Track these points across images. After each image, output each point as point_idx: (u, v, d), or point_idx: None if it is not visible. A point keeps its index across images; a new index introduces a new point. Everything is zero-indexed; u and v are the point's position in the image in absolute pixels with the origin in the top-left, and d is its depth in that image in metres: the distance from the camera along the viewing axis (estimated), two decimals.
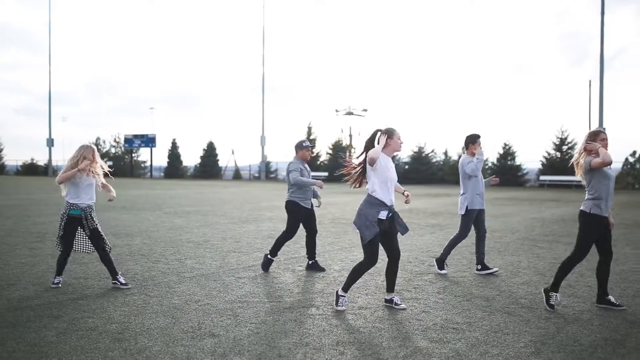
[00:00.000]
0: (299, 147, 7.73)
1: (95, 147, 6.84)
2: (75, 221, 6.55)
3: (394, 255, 5.79)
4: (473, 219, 7.58)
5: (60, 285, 6.51)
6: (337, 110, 53.00)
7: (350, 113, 52.45)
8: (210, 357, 4.27)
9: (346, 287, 5.72)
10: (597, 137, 5.89)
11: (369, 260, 5.58)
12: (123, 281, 6.54)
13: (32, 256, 8.51)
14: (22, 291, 6.26)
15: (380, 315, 5.49)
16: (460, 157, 7.74)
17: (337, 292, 5.76)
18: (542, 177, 40.95)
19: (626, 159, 39.63)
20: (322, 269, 7.66)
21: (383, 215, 5.53)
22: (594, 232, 5.79)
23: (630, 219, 15.73)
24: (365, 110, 52.75)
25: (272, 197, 24.70)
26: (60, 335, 4.71)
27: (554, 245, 10.21)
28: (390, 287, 5.85)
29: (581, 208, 5.90)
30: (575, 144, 41.59)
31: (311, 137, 52.01)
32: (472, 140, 7.62)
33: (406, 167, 46.19)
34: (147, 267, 7.77)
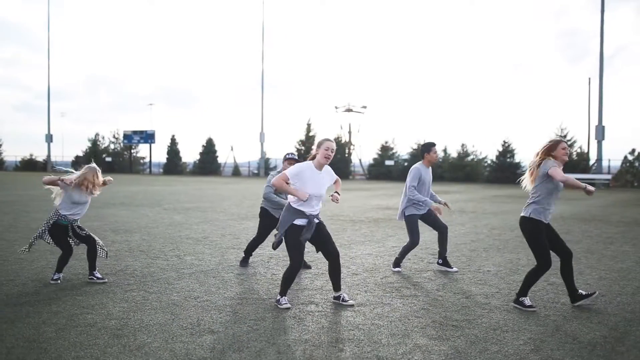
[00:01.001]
0: (284, 158, 7.54)
1: (97, 169, 6.95)
2: (61, 228, 6.67)
3: (332, 258, 5.82)
4: (416, 223, 7.54)
5: (59, 281, 6.51)
6: (336, 107, 53.02)
7: (349, 110, 52.46)
8: (210, 353, 4.26)
9: (282, 292, 5.71)
10: (557, 146, 5.80)
11: (293, 264, 5.64)
12: (99, 276, 6.62)
13: (31, 252, 8.48)
14: (21, 287, 6.25)
15: (379, 312, 5.49)
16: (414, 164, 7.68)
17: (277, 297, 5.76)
18: None
19: (625, 157, 39.67)
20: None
21: (300, 222, 5.63)
22: (541, 236, 5.69)
23: (629, 216, 15.74)
24: (365, 107, 52.76)
25: None
26: (59, 331, 4.71)
27: None
28: (336, 286, 5.86)
29: (522, 214, 5.84)
30: (574, 142, 41.62)
31: (310, 134, 51.98)
32: (426, 150, 7.56)
33: (405, 164, 46.16)
34: (146, 264, 7.76)
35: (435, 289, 6.50)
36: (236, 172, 56.91)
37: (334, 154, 5.71)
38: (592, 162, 39.43)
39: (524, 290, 5.75)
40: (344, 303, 5.73)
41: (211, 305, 5.62)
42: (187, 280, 6.74)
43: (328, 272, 5.91)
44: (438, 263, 7.69)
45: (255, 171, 54.70)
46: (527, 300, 5.70)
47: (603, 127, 36.99)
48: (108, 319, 5.07)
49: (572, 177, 5.80)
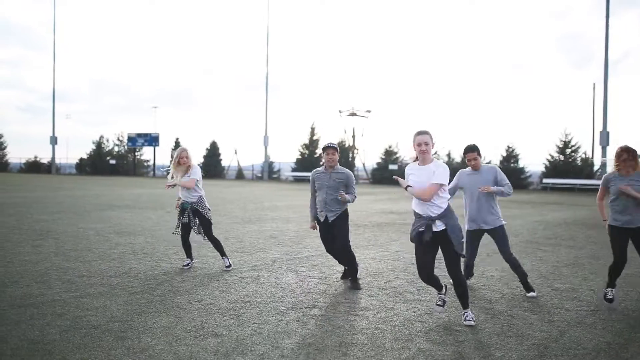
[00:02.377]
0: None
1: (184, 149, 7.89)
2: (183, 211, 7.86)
3: (450, 274, 5.38)
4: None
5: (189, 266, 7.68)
6: (340, 111, 53.01)
7: (353, 114, 52.45)
8: (213, 356, 4.27)
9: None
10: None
11: (417, 264, 5.57)
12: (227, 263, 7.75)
13: (35, 254, 8.52)
14: (25, 289, 6.27)
15: (383, 316, 5.49)
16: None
17: None
18: (545, 180, 40.86)
19: None
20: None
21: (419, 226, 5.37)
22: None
23: None
24: (369, 111, 52.75)
25: (275, 197, 24.70)
26: (63, 333, 4.72)
27: (556, 248, 10.19)
28: (463, 303, 5.41)
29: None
30: (579, 147, 41.53)
31: (314, 138, 52.01)
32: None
33: None
34: (150, 266, 7.77)
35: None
36: (240, 175, 56.97)
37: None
38: (596, 167, 39.34)
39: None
40: (467, 320, 5.26)
41: (215, 309, 5.62)
42: (191, 283, 6.74)
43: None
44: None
45: (259, 174, 54.75)
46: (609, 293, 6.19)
47: (607, 132, 36.90)
48: (112, 321, 5.08)
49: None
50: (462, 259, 5.49)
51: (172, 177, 7.74)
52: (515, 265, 6.48)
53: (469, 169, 6.64)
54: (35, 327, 4.86)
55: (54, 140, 60.65)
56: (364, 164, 52.58)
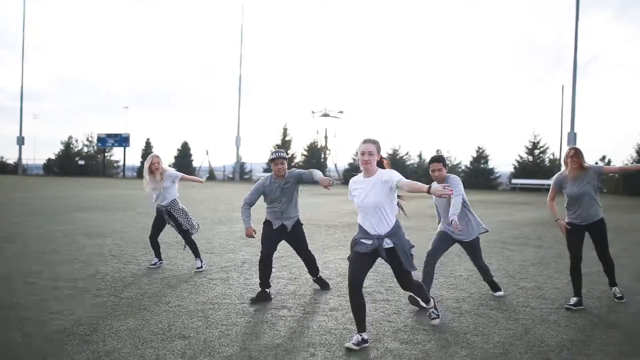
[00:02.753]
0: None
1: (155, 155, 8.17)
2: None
3: (401, 283, 5.19)
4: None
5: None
6: (313, 112, 53.08)
7: (326, 115, 52.56)
8: (181, 359, 4.24)
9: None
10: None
11: (349, 276, 4.95)
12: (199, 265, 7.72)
13: None
14: None
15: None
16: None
17: None
18: (514, 181, 41.49)
19: (595, 164, 40.38)
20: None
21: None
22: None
23: None
24: (342, 112, 52.95)
25: None
26: (26, 337, 4.64)
27: (523, 247, 10.36)
28: (413, 301, 5.79)
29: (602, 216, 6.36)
30: (547, 148, 42.26)
31: (287, 139, 51.99)
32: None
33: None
34: (117, 268, 7.68)
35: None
36: (211, 176, 56.58)
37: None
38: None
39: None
40: (432, 319, 5.30)
41: (183, 311, 5.59)
42: (159, 285, 6.69)
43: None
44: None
45: (231, 175, 54.45)
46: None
47: (575, 134, 37.61)
48: (77, 325, 5.01)
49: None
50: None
51: (147, 185, 8.01)
52: (485, 271, 6.50)
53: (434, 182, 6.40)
54: None
55: (21, 141, 59.41)
56: (335, 165, 52.72)
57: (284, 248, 9.67)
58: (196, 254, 7.83)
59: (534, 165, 41.41)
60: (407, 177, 4.85)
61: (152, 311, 5.55)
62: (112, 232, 11.49)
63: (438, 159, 6.23)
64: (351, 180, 4.94)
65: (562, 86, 43.49)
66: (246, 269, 7.81)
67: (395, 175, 4.68)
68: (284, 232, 6.48)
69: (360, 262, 4.83)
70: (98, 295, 6.15)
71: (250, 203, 6.49)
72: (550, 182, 6.63)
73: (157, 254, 7.91)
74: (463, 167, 45.60)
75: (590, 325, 5.35)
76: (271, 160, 6.49)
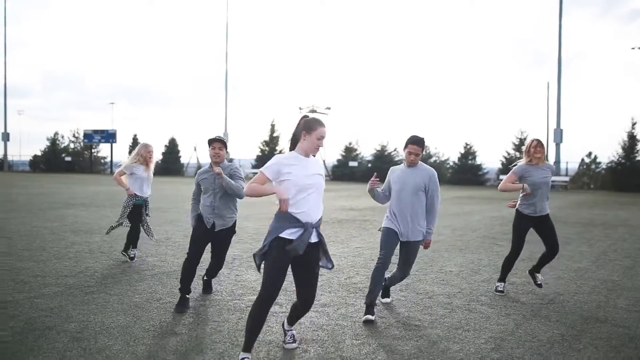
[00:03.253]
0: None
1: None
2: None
3: (303, 298, 4.23)
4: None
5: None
6: (300, 108, 52.95)
7: (313, 111, 52.41)
8: (172, 355, 4.22)
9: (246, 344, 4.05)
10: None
11: (266, 291, 3.96)
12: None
13: None
14: None
15: (343, 312, 5.51)
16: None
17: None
18: (501, 177, 41.66)
19: (582, 160, 40.71)
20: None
21: (291, 235, 3.95)
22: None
23: (586, 218, 16.15)
24: (329, 108, 52.85)
25: None
26: (16, 335, 4.59)
27: None
28: (292, 321, 4.51)
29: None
30: None
31: (274, 135, 51.90)
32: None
33: (369, 165, 46.44)
34: (107, 265, 7.62)
35: (398, 289, 6.55)
36: None
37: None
38: (551, 163, 40.29)
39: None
40: (285, 345, 4.47)
41: (174, 307, 5.55)
42: (150, 282, 6.64)
43: (292, 305, 4.48)
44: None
45: None
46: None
47: (561, 130, 37.86)
48: (67, 322, 4.96)
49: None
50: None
51: (128, 171, 7.96)
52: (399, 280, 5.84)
53: (402, 165, 5.62)
54: None
55: (6, 137, 58.81)
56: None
57: None
58: (135, 244, 8.05)
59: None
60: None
61: (143, 308, 5.51)
62: (100, 229, 11.39)
63: (419, 141, 5.41)
64: (281, 157, 4.10)
65: (548, 83, 43.77)
66: (237, 265, 7.78)
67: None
68: (211, 232, 5.79)
69: (280, 270, 3.98)
70: (88, 292, 6.10)
71: (193, 195, 6.06)
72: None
73: (135, 245, 8.08)
74: (451, 163, 45.77)
75: (581, 320, 5.39)
76: (208, 142, 5.81)
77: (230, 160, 5.94)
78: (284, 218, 3.95)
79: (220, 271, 6.38)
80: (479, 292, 6.49)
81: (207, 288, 6.30)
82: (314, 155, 4.21)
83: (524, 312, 5.66)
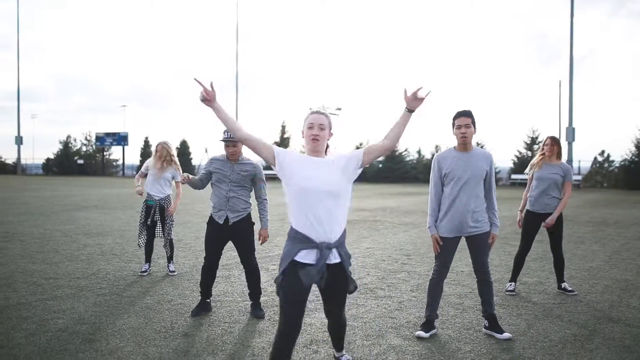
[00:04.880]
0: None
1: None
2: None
3: (334, 320, 3.81)
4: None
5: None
6: (310, 109, 52.86)
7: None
8: (184, 357, 4.23)
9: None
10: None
11: (282, 328, 3.31)
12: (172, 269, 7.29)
13: (0, 256, 8.33)
14: None
15: (353, 313, 5.51)
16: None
17: None
18: (513, 176, 41.52)
19: (595, 159, 40.44)
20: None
21: (305, 257, 3.33)
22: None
23: (599, 217, 16.03)
24: (339, 108, 52.88)
25: None
26: (29, 336, 4.63)
27: None
28: (338, 346, 4.00)
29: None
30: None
31: (285, 135, 51.97)
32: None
33: (380, 165, 46.41)
34: (119, 267, 7.67)
35: (409, 289, 6.54)
36: None
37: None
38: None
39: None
40: None
41: (185, 309, 5.58)
42: (161, 284, 6.68)
43: (328, 328, 3.98)
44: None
45: None
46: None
47: (573, 128, 37.63)
48: (80, 324, 5.00)
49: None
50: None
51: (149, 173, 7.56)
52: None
53: (452, 148, 4.91)
54: (0, 331, 4.76)
55: (19, 141, 59.35)
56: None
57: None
58: (171, 258, 7.40)
59: None
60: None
61: (154, 309, 5.54)
62: (112, 231, 11.47)
63: (467, 113, 4.76)
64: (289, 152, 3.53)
65: (560, 81, 43.57)
66: None
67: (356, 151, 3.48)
68: (226, 229, 5.43)
69: (299, 304, 3.34)
70: (100, 294, 6.14)
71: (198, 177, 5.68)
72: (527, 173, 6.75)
73: (149, 259, 7.38)
74: None
75: (593, 320, 5.34)
76: (223, 142, 5.41)
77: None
78: (295, 237, 3.34)
79: (259, 281, 5.61)
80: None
81: (257, 310, 5.47)
82: (324, 153, 3.52)
83: (535, 312, 5.63)
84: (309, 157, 3.45)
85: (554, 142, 6.45)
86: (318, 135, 3.43)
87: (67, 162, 59.03)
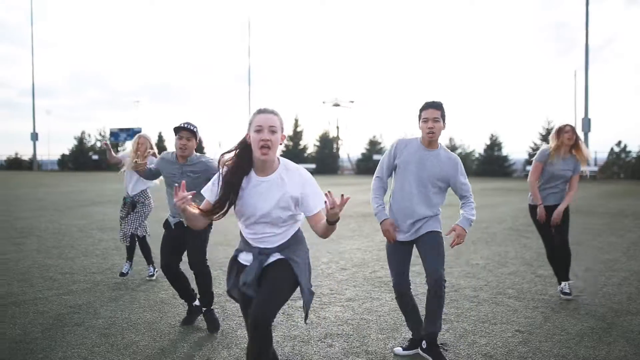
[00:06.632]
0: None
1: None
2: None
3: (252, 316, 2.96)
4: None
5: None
6: (323, 102, 52.95)
7: (337, 104, 52.40)
8: (198, 351, 4.24)
9: None
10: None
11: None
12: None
13: (16, 252, 8.41)
14: (6, 287, 6.18)
15: (368, 307, 5.49)
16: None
17: None
18: (528, 168, 41.15)
19: (611, 149, 39.99)
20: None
21: (244, 258, 3.16)
22: None
23: (616, 208, 15.86)
24: (352, 101, 52.78)
25: None
26: (45, 331, 4.66)
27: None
28: None
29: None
30: None
31: (298, 129, 51.97)
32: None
33: None
34: (134, 262, 7.69)
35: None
36: None
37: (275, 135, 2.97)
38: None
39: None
40: None
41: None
42: None
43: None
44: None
45: None
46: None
47: (589, 119, 37.22)
48: (95, 318, 5.03)
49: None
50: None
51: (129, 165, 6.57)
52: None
53: (416, 138, 4.28)
54: (17, 325, 4.80)
55: (34, 137, 59.83)
56: (348, 155, 52.64)
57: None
58: (149, 260, 6.95)
59: None
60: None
61: (169, 304, 5.56)
62: None
63: (436, 104, 4.18)
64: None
65: (575, 71, 43.16)
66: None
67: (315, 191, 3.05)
68: (181, 229, 4.94)
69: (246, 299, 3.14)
70: (115, 288, 6.17)
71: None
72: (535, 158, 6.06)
73: (149, 261, 6.99)
74: (477, 155, 45.35)
75: (611, 313, 5.28)
76: (175, 131, 4.76)
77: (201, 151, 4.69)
78: (242, 238, 3.20)
79: (210, 286, 5.08)
80: (505, 284, 6.41)
81: (211, 322, 4.83)
82: (275, 161, 3.02)
83: (552, 304, 5.58)
84: (255, 178, 3.03)
85: (574, 131, 5.86)
86: (269, 140, 2.92)
87: (82, 158, 59.43)
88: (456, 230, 4.10)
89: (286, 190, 2.98)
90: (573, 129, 5.89)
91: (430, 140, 4.15)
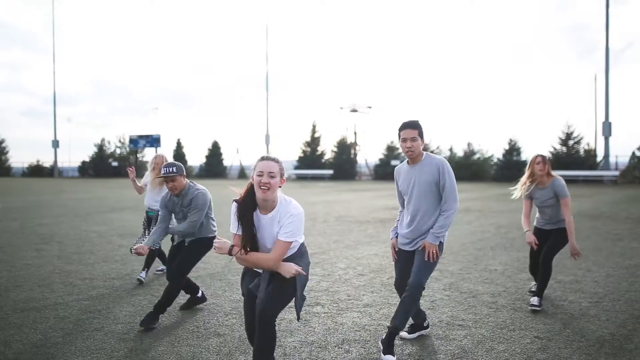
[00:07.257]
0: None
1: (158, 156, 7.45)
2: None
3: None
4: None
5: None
6: (341, 108, 53.04)
7: (354, 110, 52.46)
8: (216, 356, 4.26)
9: None
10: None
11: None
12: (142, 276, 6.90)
13: (37, 257, 8.53)
14: (28, 292, 6.27)
15: (385, 312, 5.48)
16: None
17: None
18: None
19: (633, 153, 39.44)
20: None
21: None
22: None
23: (637, 213, 15.64)
24: (370, 107, 52.83)
25: None
26: (66, 336, 4.72)
27: None
28: None
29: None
30: (581, 139, 41.36)
31: (316, 135, 52.06)
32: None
33: None
34: (152, 267, 7.77)
35: (442, 288, 6.47)
36: (242, 174, 57.03)
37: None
38: (599, 158, 39.26)
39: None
40: None
41: (217, 308, 5.62)
42: None
43: None
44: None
45: None
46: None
47: (610, 123, 36.83)
48: (115, 324, 5.08)
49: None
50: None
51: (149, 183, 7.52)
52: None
53: (404, 162, 4.65)
54: (38, 330, 4.87)
55: (55, 144, 60.72)
56: (366, 160, 52.60)
57: (315, 244, 9.68)
58: (149, 265, 7.08)
59: (568, 157, 40.61)
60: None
61: (186, 309, 5.59)
62: None
63: (413, 124, 4.41)
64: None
65: (595, 75, 42.67)
66: None
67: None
68: (183, 244, 5.61)
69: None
70: (134, 294, 6.23)
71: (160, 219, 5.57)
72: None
73: (164, 261, 7.23)
74: (495, 160, 45.05)
75: (632, 319, 5.21)
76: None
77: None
78: None
79: (174, 297, 5.21)
80: (524, 290, 6.35)
81: (151, 321, 5.02)
82: (274, 200, 3.58)
83: (571, 311, 5.52)
84: (258, 215, 3.63)
85: (545, 161, 6.00)
86: (268, 183, 3.47)
87: (102, 165, 60.11)
88: (425, 246, 4.39)
89: (279, 227, 3.56)
90: (544, 159, 6.00)
91: (411, 157, 4.50)
